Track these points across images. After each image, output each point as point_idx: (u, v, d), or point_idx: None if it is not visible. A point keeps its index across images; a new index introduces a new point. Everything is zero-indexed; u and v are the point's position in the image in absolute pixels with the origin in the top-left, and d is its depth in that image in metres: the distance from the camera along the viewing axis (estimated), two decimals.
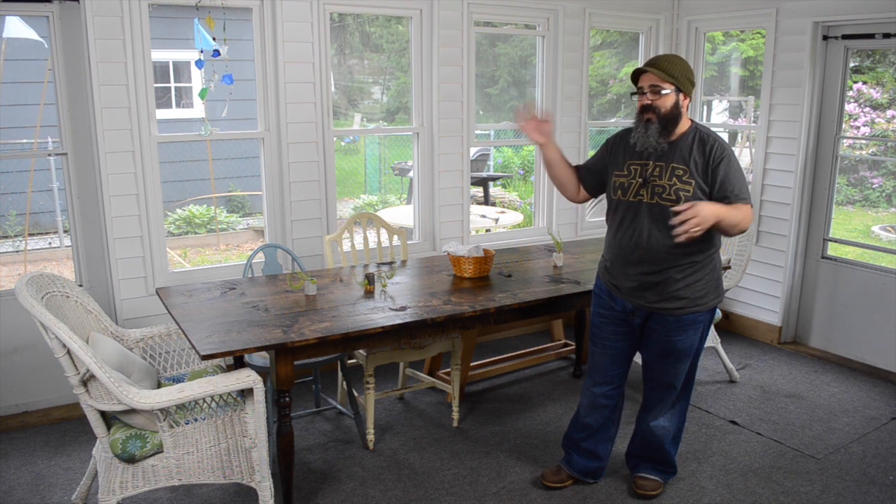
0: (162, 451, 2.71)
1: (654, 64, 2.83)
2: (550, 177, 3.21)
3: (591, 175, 3.15)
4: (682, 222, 2.63)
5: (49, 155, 6.99)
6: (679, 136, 2.88)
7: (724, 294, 3.08)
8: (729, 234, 2.84)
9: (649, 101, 2.83)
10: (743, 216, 2.79)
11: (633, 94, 2.94)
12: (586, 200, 3.27)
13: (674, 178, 2.84)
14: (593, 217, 5.58)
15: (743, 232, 2.86)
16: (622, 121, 6.10)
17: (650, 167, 2.89)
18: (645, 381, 3.22)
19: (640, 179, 2.90)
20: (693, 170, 2.82)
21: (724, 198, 2.79)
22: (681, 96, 2.84)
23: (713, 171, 2.81)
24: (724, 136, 9.02)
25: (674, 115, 2.84)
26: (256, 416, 2.76)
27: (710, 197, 2.82)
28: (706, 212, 2.65)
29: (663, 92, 2.81)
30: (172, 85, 9.13)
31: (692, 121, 2.93)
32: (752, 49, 6.70)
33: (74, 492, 3.15)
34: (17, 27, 6.44)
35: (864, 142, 6.19)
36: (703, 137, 2.86)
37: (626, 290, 2.99)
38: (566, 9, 5.03)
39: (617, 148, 3.03)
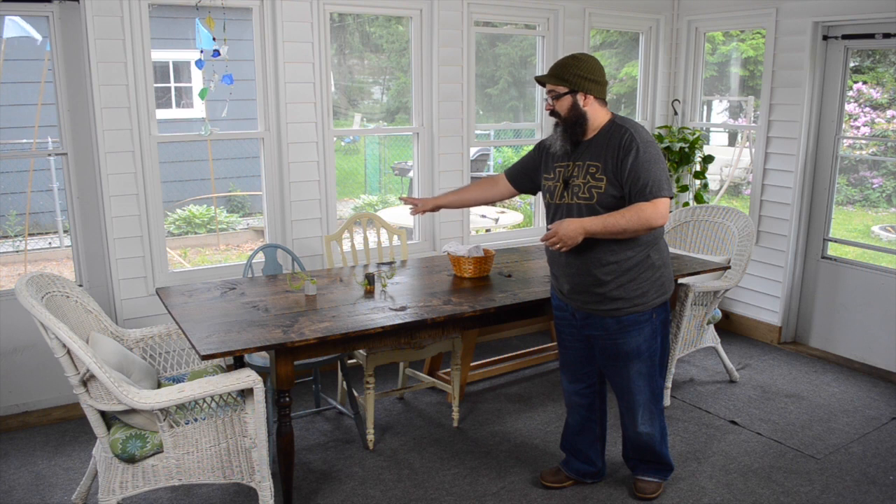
0: (162, 451, 2.71)
1: (550, 70, 2.90)
2: (471, 207, 3.46)
3: (520, 173, 3.26)
4: (546, 238, 2.79)
5: (49, 155, 6.99)
6: (596, 132, 2.89)
7: (671, 291, 3.03)
8: (623, 237, 2.80)
9: (550, 107, 2.91)
10: (632, 216, 2.73)
11: (544, 99, 3.03)
12: (513, 196, 3.37)
13: (587, 176, 2.85)
14: None
15: (651, 229, 2.80)
16: None
17: (570, 168, 2.92)
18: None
19: (562, 182, 2.93)
20: (605, 164, 2.82)
21: (630, 192, 2.77)
22: (579, 96, 2.84)
23: (621, 163, 2.78)
24: (724, 137, 9.02)
25: (574, 117, 2.87)
26: (256, 416, 2.76)
27: (621, 191, 2.80)
28: (568, 231, 2.74)
29: (558, 96, 2.87)
30: (172, 85, 9.13)
31: (612, 115, 2.93)
32: (752, 49, 6.70)
33: (74, 492, 3.15)
34: (16, 26, 6.44)
35: (864, 142, 6.19)
36: (616, 130, 2.85)
37: (566, 292, 3.02)
38: (566, 9, 5.03)
39: (549, 151, 3.06)
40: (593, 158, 2.86)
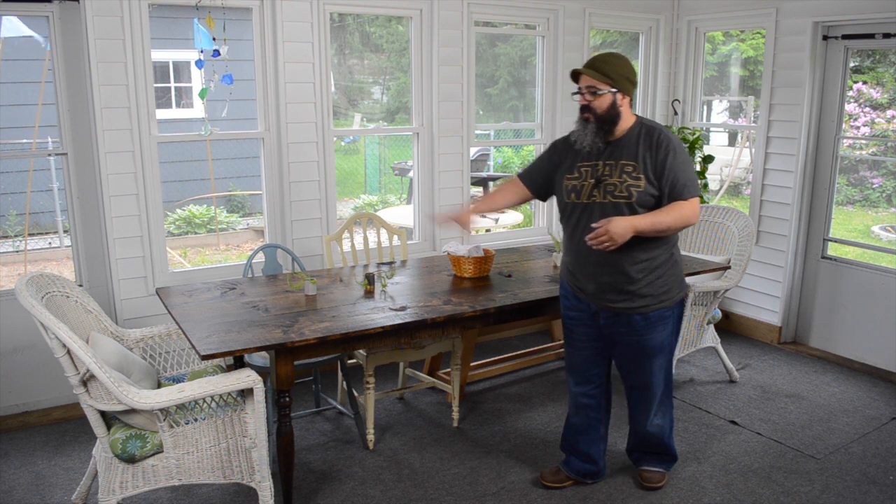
0: (162, 451, 2.71)
1: (591, 65, 2.86)
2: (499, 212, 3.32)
3: (537, 178, 3.19)
4: (594, 237, 2.76)
5: (49, 155, 6.99)
6: (624, 132, 2.90)
7: (687, 287, 3.10)
8: (665, 235, 2.87)
9: (586, 102, 2.87)
10: (677, 215, 2.81)
11: (573, 94, 2.97)
12: (530, 200, 3.32)
13: (624, 175, 2.86)
14: None
15: (687, 227, 2.90)
16: None
17: (600, 167, 2.91)
18: (624, 385, 3.23)
19: (592, 180, 2.91)
20: (642, 165, 2.85)
21: (670, 192, 2.82)
22: (619, 96, 2.85)
23: (660, 164, 2.83)
24: (724, 137, 9.03)
25: (611, 115, 2.86)
26: (256, 416, 2.76)
27: (659, 190, 2.84)
28: (618, 229, 2.73)
29: (599, 93, 2.83)
30: (172, 85, 9.13)
31: (637, 116, 2.94)
32: (752, 49, 6.70)
33: (74, 492, 3.15)
34: (14, 26, 6.44)
35: (864, 142, 6.19)
36: (648, 131, 2.88)
37: (590, 291, 3.00)
38: (566, 9, 5.03)
39: (566, 151, 3.04)
40: (627, 158, 2.87)
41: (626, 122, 2.90)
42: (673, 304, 3.00)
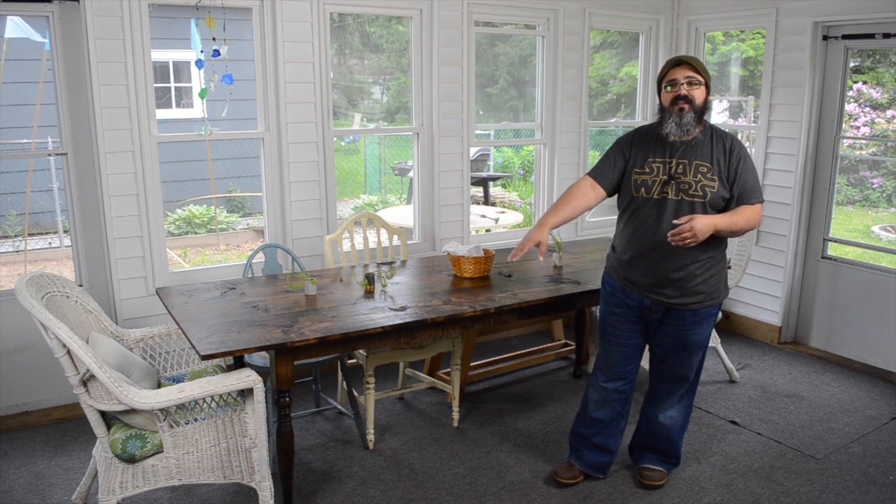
0: (162, 451, 2.71)
1: (688, 60, 2.93)
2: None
3: (610, 175, 3.06)
4: (678, 233, 2.80)
5: (49, 155, 6.99)
6: (696, 133, 2.95)
7: (728, 288, 3.17)
8: (734, 236, 2.97)
9: (685, 92, 2.89)
10: (748, 218, 2.91)
11: (665, 85, 2.95)
12: (601, 201, 3.21)
13: (699, 175, 2.91)
14: (593, 217, 5.58)
15: (752, 230, 2.98)
16: (622, 121, 6.10)
17: (673, 164, 2.93)
18: (654, 374, 3.26)
19: (664, 177, 2.94)
20: (716, 167, 2.91)
21: (740, 195, 2.91)
22: (707, 93, 2.94)
23: (735, 169, 2.91)
24: None
25: (704, 109, 2.93)
26: (256, 416, 2.76)
27: (730, 193, 2.92)
28: (702, 226, 2.79)
29: (699, 83, 2.90)
30: (172, 85, 9.13)
31: (705, 120, 3.00)
32: (752, 49, 6.70)
33: (74, 492, 3.15)
34: (18, 27, 6.45)
35: (864, 142, 6.19)
36: (720, 135, 2.96)
37: (646, 286, 3.02)
38: (566, 9, 5.03)
39: (634, 146, 3.05)
40: (701, 158, 2.92)
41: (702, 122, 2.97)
42: (719, 303, 3.08)
